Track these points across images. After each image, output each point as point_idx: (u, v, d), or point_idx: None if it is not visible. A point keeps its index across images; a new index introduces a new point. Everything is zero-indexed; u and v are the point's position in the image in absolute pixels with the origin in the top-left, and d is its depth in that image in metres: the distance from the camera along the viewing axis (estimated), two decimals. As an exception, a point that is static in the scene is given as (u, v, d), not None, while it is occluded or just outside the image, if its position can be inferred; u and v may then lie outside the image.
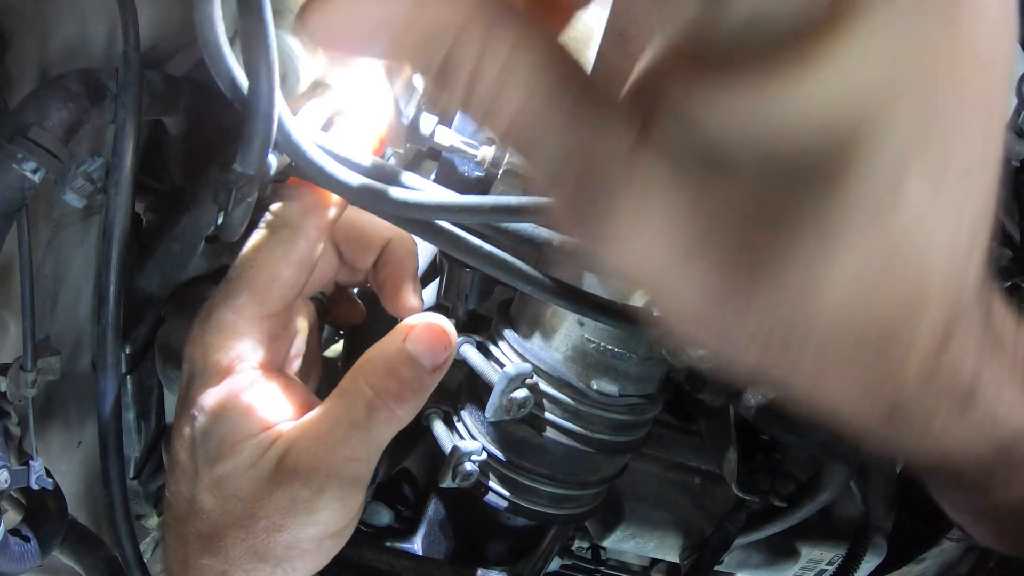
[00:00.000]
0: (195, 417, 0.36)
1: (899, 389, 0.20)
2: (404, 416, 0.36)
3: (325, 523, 0.35)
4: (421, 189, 0.60)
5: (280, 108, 0.49)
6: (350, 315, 0.48)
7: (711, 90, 0.16)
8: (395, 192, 0.48)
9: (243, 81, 0.46)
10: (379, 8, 0.19)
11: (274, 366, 0.37)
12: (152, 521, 0.82)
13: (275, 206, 0.40)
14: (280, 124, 0.49)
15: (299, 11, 0.20)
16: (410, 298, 0.43)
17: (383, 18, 0.19)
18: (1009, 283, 0.89)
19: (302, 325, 0.41)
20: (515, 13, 0.19)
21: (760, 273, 0.17)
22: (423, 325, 0.38)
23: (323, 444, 0.34)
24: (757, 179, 0.16)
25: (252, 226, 0.46)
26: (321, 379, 0.46)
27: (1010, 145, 0.64)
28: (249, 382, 0.36)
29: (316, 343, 0.44)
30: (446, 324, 0.39)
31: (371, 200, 0.46)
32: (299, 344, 0.41)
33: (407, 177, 0.63)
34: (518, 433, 0.59)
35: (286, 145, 0.52)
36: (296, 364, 0.41)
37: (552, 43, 0.19)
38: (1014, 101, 0.64)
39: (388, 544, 0.72)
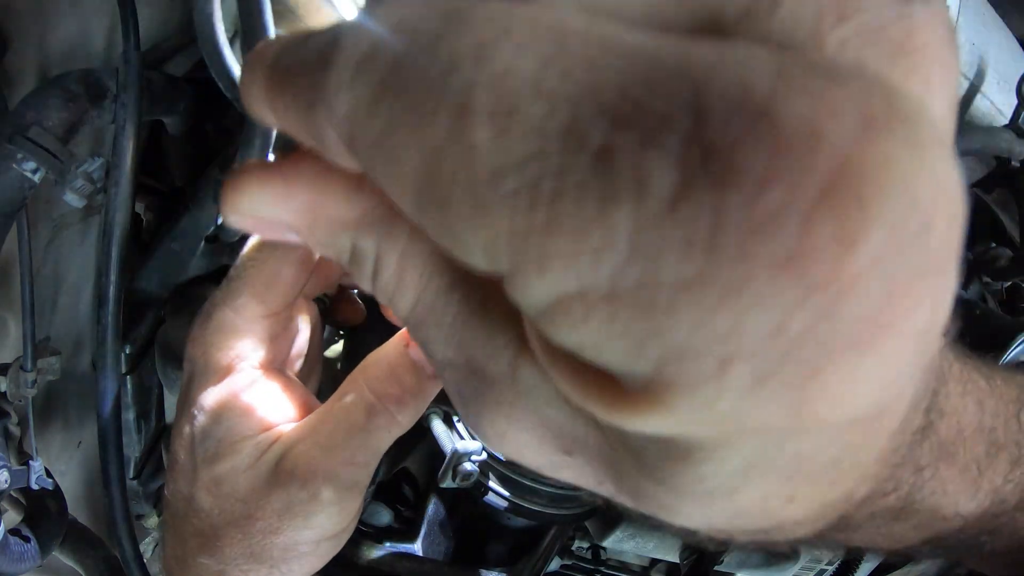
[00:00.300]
0: (195, 416, 0.36)
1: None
2: (404, 422, 0.35)
3: (322, 526, 0.35)
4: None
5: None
6: (351, 315, 0.47)
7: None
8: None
9: (243, 81, 0.46)
10: (282, 211, 0.20)
11: (275, 366, 0.37)
12: (152, 521, 0.82)
13: None
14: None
15: (221, 190, 0.21)
16: None
17: (287, 220, 0.20)
18: (1009, 283, 0.89)
19: (304, 325, 0.41)
20: (402, 233, 0.20)
21: (624, 490, 0.18)
22: None
23: (321, 447, 0.34)
24: (614, 436, 0.16)
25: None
26: (322, 380, 0.46)
27: (1010, 145, 0.64)
28: (249, 382, 0.36)
29: (318, 344, 0.44)
30: None
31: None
32: (300, 344, 0.41)
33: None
34: (518, 433, 0.59)
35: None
36: (297, 364, 0.41)
37: (435, 260, 0.20)
38: (1014, 101, 0.64)
39: (388, 545, 0.72)
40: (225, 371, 0.36)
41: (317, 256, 0.33)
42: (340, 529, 0.36)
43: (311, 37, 0.17)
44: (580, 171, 0.11)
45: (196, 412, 0.36)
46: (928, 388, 0.21)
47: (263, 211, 0.20)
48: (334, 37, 0.15)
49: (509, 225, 0.12)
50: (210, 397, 0.36)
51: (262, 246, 0.38)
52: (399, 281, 0.20)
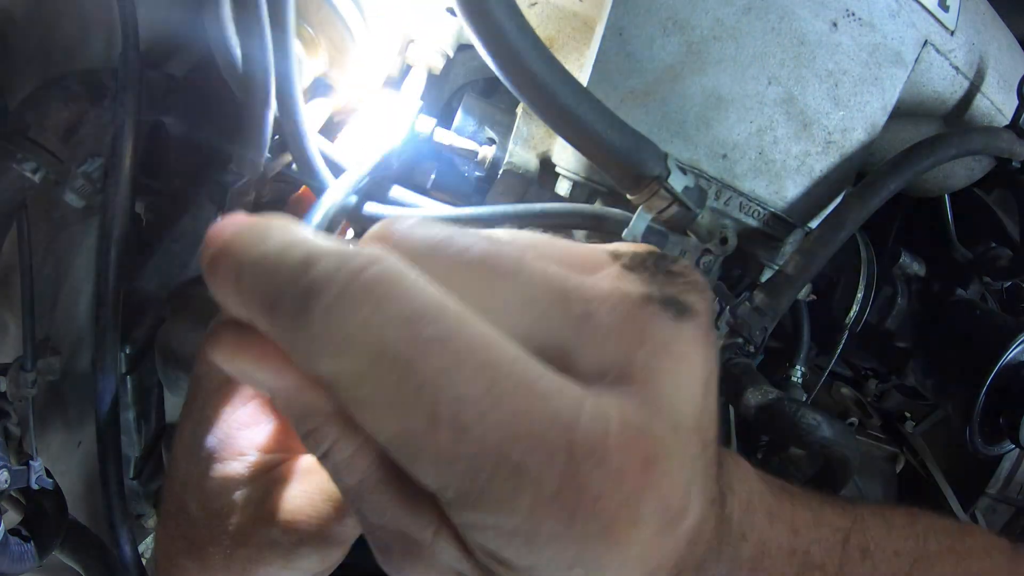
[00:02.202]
0: (196, 422, 0.36)
1: None
2: None
3: (303, 568, 0.35)
4: (418, 205, 0.61)
5: (304, 121, 0.49)
6: None
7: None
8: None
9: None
10: (258, 379, 0.24)
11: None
12: (152, 521, 0.82)
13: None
14: (298, 131, 0.49)
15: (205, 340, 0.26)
16: None
17: (270, 385, 0.24)
18: (1009, 283, 0.89)
19: None
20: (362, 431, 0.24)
21: None
22: None
23: (309, 500, 0.34)
24: None
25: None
26: None
27: (1010, 146, 0.64)
28: (250, 395, 0.36)
29: None
30: None
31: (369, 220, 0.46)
32: None
33: (399, 192, 0.63)
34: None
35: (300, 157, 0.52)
36: None
37: (383, 452, 0.24)
38: (1014, 101, 0.64)
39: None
40: (229, 380, 0.36)
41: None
42: (323, 569, 0.36)
43: (285, 271, 0.21)
44: (501, 475, 0.19)
45: (197, 418, 0.36)
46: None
47: (240, 372, 0.24)
48: (308, 307, 0.20)
49: (457, 484, 0.20)
50: (210, 407, 0.36)
51: None
52: (349, 465, 0.24)
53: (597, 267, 0.24)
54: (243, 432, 0.35)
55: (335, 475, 0.25)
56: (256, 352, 0.24)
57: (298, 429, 0.25)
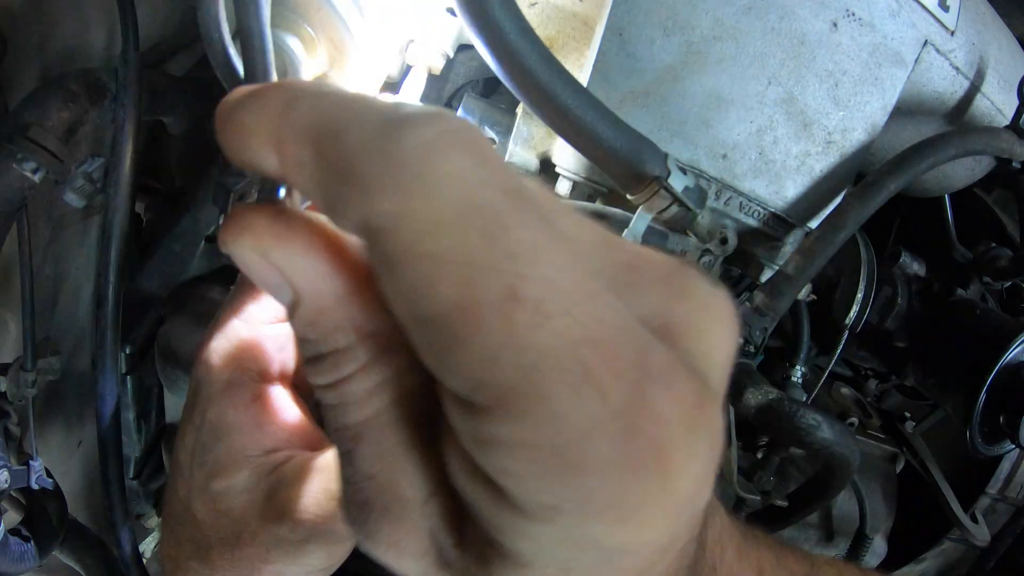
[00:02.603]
0: (197, 427, 0.36)
1: None
2: None
3: (311, 564, 0.35)
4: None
5: None
6: None
7: None
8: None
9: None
10: (295, 270, 0.20)
11: (284, 377, 0.37)
12: (152, 521, 0.82)
13: None
14: None
15: (222, 226, 0.21)
16: None
17: (296, 282, 0.20)
18: (1009, 283, 0.89)
19: None
20: (398, 357, 0.21)
21: None
22: None
23: (315, 498, 0.34)
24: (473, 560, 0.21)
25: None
26: None
27: (1011, 146, 0.64)
28: (252, 397, 0.36)
29: None
30: None
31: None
32: None
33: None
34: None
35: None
36: (302, 370, 0.41)
37: (414, 385, 0.21)
38: (1014, 101, 0.64)
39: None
40: (230, 382, 0.36)
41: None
42: (328, 565, 0.36)
43: (366, 102, 0.18)
44: (569, 378, 0.17)
45: (199, 423, 0.36)
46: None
47: (274, 263, 0.20)
48: (401, 140, 0.17)
49: (511, 381, 0.17)
50: (212, 410, 0.35)
51: None
52: (366, 398, 0.21)
53: None
54: (246, 434, 0.35)
55: (341, 408, 0.22)
56: (303, 236, 0.20)
57: (317, 348, 0.21)
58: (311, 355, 0.21)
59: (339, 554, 0.36)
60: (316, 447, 0.37)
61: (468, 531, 0.21)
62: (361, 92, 0.19)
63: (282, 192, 0.22)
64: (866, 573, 0.41)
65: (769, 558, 0.34)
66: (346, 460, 0.22)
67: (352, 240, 0.21)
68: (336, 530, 0.34)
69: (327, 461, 0.35)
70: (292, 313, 0.21)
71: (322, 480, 0.34)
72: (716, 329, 0.20)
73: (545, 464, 0.17)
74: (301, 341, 0.22)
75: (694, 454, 0.18)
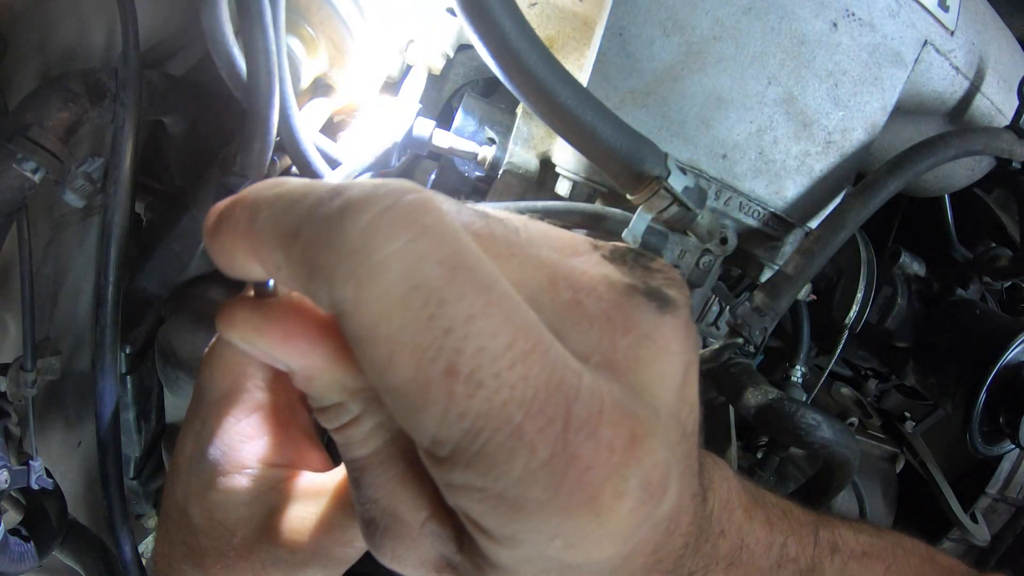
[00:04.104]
0: (198, 433, 0.36)
1: None
2: None
3: None
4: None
5: (298, 121, 0.49)
6: None
7: None
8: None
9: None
10: (281, 356, 0.24)
11: (282, 386, 0.37)
12: (152, 521, 0.82)
13: None
14: (292, 131, 0.49)
15: (222, 310, 0.24)
16: None
17: (294, 363, 0.23)
18: (1009, 283, 0.89)
19: None
20: (384, 408, 0.24)
21: None
22: None
23: (321, 524, 0.34)
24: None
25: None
26: None
27: (1011, 146, 0.64)
28: (254, 406, 0.35)
29: None
30: None
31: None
32: None
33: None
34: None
35: (294, 152, 0.52)
36: None
37: (398, 431, 0.25)
38: (1014, 101, 0.64)
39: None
40: (232, 390, 0.35)
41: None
42: None
43: (312, 197, 0.20)
44: (500, 437, 0.19)
45: (199, 429, 0.36)
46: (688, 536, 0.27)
47: (259, 349, 0.23)
48: (344, 229, 0.19)
49: (457, 440, 0.20)
50: (214, 417, 0.35)
51: None
52: (366, 438, 0.25)
53: (577, 252, 0.24)
54: (246, 444, 0.35)
55: (346, 446, 0.25)
56: (279, 327, 0.23)
57: (316, 403, 0.25)
58: (315, 407, 0.25)
59: (336, 575, 0.36)
60: (319, 462, 0.36)
61: (466, 544, 0.24)
62: (310, 181, 0.21)
63: (271, 282, 0.24)
64: (874, 528, 0.41)
65: (777, 512, 0.35)
66: (355, 485, 0.26)
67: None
68: (335, 555, 0.34)
69: (332, 485, 0.34)
70: (291, 377, 0.24)
71: (323, 503, 0.34)
72: (662, 357, 0.22)
73: (496, 505, 0.20)
74: (309, 400, 0.25)
75: (622, 492, 0.20)
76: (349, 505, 0.33)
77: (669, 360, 0.22)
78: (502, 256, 0.22)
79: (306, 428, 0.37)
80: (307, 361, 0.23)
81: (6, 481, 0.56)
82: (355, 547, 0.34)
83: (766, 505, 0.34)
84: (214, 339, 0.37)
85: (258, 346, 0.23)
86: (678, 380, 0.23)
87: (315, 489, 0.34)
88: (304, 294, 0.21)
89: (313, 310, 0.23)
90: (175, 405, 0.74)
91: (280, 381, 0.36)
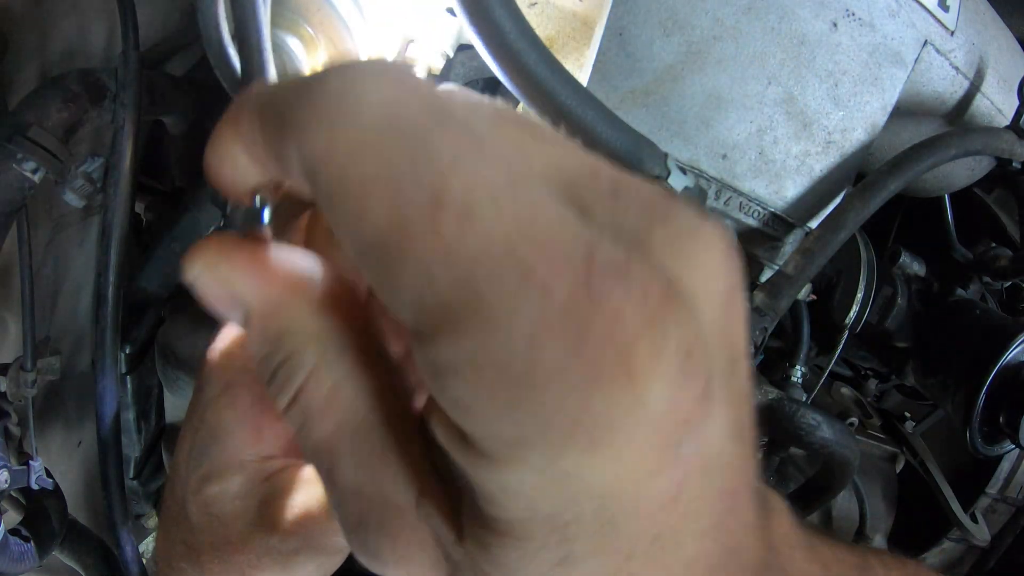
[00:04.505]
0: (196, 429, 0.36)
1: None
2: None
3: (301, 574, 0.35)
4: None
5: None
6: None
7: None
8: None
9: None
10: (248, 287, 0.21)
11: None
12: (152, 521, 0.82)
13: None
14: None
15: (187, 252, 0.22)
16: None
17: (251, 296, 0.21)
18: (1009, 283, 0.89)
19: None
20: (354, 343, 0.21)
21: None
22: None
23: (307, 512, 0.34)
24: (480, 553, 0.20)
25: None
26: None
27: (1011, 146, 0.64)
28: (252, 400, 0.35)
29: None
30: None
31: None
32: None
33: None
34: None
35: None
36: None
37: (375, 379, 0.21)
38: (1014, 101, 0.64)
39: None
40: (229, 384, 0.35)
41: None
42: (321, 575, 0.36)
43: (300, 80, 0.18)
44: (507, 273, 0.15)
45: (198, 424, 0.36)
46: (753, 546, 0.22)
47: (221, 280, 0.21)
48: (322, 80, 0.17)
49: (447, 293, 0.16)
50: (211, 411, 0.35)
51: None
52: (327, 403, 0.21)
53: None
54: (243, 437, 0.35)
55: (307, 425, 0.21)
56: (240, 257, 0.21)
57: (269, 363, 0.21)
58: (267, 375, 0.22)
59: (330, 566, 0.36)
60: None
61: (465, 520, 0.20)
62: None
63: (265, 216, 0.23)
64: (903, 562, 0.40)
65: (827, 553, 0.33)
66: (330, 483, 0.22)
67: (297, 252, 0.22)
68: (327, 543, 0.34)
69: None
70: (246, 330, 0.22)
71: (316, 492, 0.34)
72: (705, 254, 0.18)
73: (495, 384, 0.16)
74: (259, 365, 0.22)
75: (660, 350, 0.16)
76: (325, 504, 0.33)
77: (713, 258, 0.18)
78: (543, 139, 0.19)
79: None
80: (269, 290, 0.21)
81: (6, 481, 0.56)
82: (329, 545, 0.34)
83: (820, 545, 0.32)
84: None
85: (220, 271, 0.21)
86: (722, 287, 0.18)
87: (308, 480, 0.35)
88: (275, 164, 0.19)
89: (284, 248, 0.22)
90: (175, 405, 0.74)
91: None
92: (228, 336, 0.36)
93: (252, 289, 0.21)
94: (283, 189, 0.23)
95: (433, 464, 0.21)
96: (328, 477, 0.21)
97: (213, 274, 0.21)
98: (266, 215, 0.23)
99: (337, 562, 0.36)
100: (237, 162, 0.21)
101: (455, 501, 0.20)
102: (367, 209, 0.16)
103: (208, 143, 0.21)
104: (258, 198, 0.23)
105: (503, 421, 0.16)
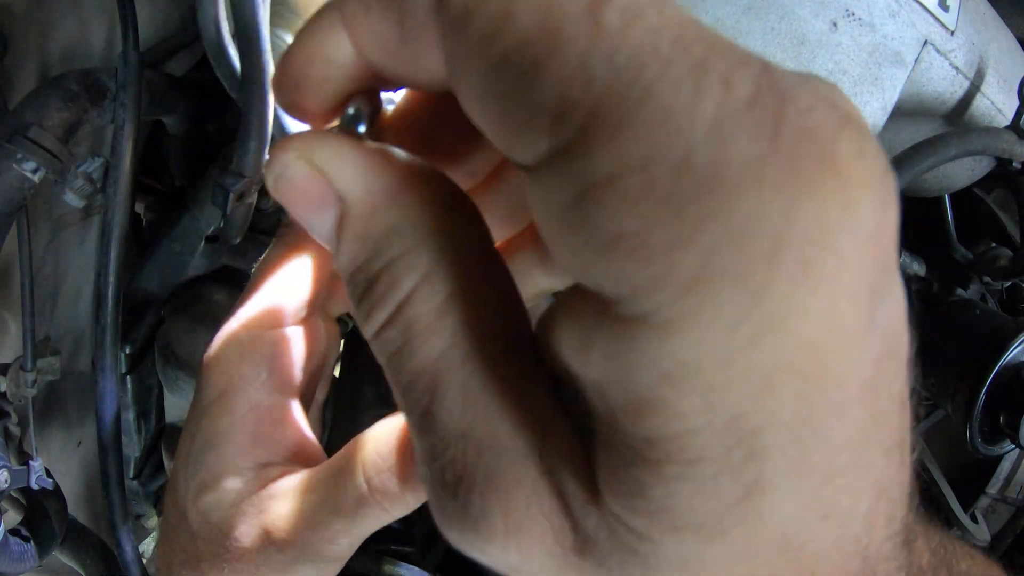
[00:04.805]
0: (193, 436, 0.36)
1: None
2: (395, 514, 0.33)
3: None
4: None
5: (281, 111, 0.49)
6: None
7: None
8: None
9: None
10: (349, 173, 0.18)
11: (283, 384, 0.36)
12: (152, 521, 0.82)
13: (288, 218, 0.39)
14: (286, 129, 0.49)
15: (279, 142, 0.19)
16: None
17: (347, 187, 0.18)
18: (1009, 283, 0.89)
19: (323, 340, 0.40)
20: (472, 250, 0.17)
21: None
22: None
23: (304, 519, 0.33)
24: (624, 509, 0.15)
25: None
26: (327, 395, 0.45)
27: (1011, 147, 0.64)
28: (248, 407, 0.35)
29: (334, 359, 0.43)
30: None
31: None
32: (315, 362, 0.40)
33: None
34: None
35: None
36: (307, 382, 0.41)
37: (493, 296, 0.17)
38: (1014, 101, 0.64)
39: (390, 547, 0.72)
40: (227, 391, 0.35)
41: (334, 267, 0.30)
42: None
43: None
44: (671, 67, 0.13)
45: (195, 432, 0.36)
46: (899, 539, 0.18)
47: (319, 158, 0.18)
48: None
49: (605, 93, 0.13)
50: (207, 419, 0.35)
51: (270, 258, 0.37)
52: (436, 320, 0.17)
53: None
54: (239, 444, 0.35)
55: (408, 347, 0.17)
56: (341, 143, 0.18)
57: (368, 270, 0.17)
58: (362, 287, 0.18)
59: (329, 572, 0.36)
60: (315, 460, 0.36)
61: (603, 470, 0.15)
62: None
63: (362, 128, 0.19)
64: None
65: (955, 550, 0.30)
66: (425, 426, 0.17)
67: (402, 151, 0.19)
68: (325, 551, 0.33)
69: (320, 478, 0.34)
70: (339, 233, 0.18)
71: (313, 500, 0.34)
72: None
73: (674, 193, 0.12)
74: (350, 279, 0.18)
75: (863, 153, 0.13)
76: (330, 500, 0.33)
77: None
78: None
79: (302, 428, 0.37)
80: (374, 180, 0.17)
81: (6, 481, 0.56)
82: (339, 543, 0.34)
83: (946, 547, 0.29)
84: (214, 336, 0.37)
85: (317, 157, 0.18)
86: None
87: (304, 484, 0.34)
88: (399, 32, 0.16)
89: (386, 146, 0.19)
90: (175, 405, 0.74)
91: (276, 380, 0.36)
92: (224, 339, 0.35)
93: (357, 176, 0.18)
94: (378, 101, 0.20)
95: (559, 403, 0.17)
96: (423, 419, 0.17)
97: (309, 161, 0.18)
98: (362, 128, 0.20)
99: (335, 569, 0.36)
100: (333, 60, 0.18)
101: (587, 450, 0.16)
102: (512, 15, 0.14)
103: (291, 47, 0.18)
104: (352, 108, 0.19)
105: (686, 247, 0.12)
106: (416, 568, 0.63)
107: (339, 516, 0.33)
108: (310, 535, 0.33)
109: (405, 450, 0.32)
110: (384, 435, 0.33)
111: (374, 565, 0.64)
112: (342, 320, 0.42)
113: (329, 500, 0.33)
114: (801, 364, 0.13)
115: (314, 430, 0.38)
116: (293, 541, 0.33)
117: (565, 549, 0.16)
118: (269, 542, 0.33)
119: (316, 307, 0.37)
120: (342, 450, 0.34)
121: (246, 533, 0.34)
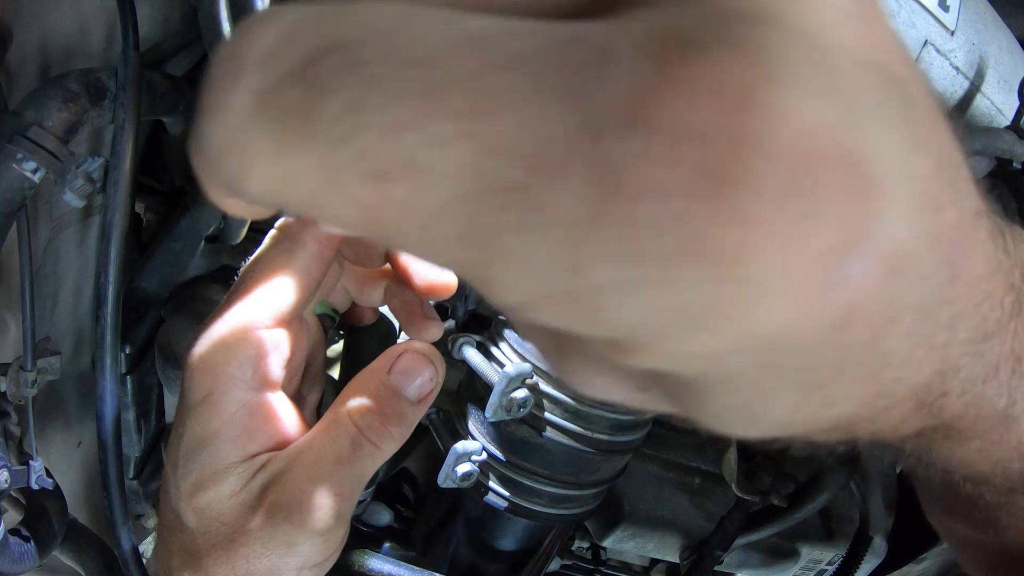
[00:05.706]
0: (181, 437, 0.36)
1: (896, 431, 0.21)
2: (388, 450, 0.36)
3: (305, 555, 0.35)
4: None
5: None
6: (360, 316, 0.47)
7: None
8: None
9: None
10: None
11: (268, 383, 0.37)
12: (152, 521, 0.82)
13: (281, 219, 0.39)
14: None
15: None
16: (427, 327, 0.41)
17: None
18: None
19: (306, 340, 0.40)
20: None
21: (690, 415, 0.19)
22: (408, 356, 0.37)
23: (306, 478, 0.34)
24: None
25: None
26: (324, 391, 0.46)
27: (1011, 147, 0.64)
28: (237, 404, 0.35)
29: (321, 359, 0.44)
30: (431, 353, 0.38)
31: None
32: (300, 359, 0.40)
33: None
34: (518, 433, 0.59)
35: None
36: (295, 380, 0.41)
37: None
38: (1015, 101, 0.64)
39: (387, 547, 0.72)
40: (214, 391, 0.35)
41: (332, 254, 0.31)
42: (323, 558, 0.36)
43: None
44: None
45: (182, 433, 0.36)
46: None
47: None
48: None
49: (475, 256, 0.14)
50: (197, 418, 0.35)
51: (261, 259, 0.37)
52: None
53: None
54: (229, 442, 0.35)
55: None
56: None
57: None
58: None
59: (335, 542, 0.36)
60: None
61: None
62: None
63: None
64: None
65: None
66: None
67: None
68: (318, 527, 0.34)
69: (313, 439, 0.35)
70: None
71: (308, 473, 0.34)
72: None
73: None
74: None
75: None
76: (329, 451, 0.35)
77: None
78: None
79: (290, 417, 0.37)
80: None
81: (6, 481, 0.56)
82: (345, 495, 0.35)
83: None
84: (198, 336, 0.37)
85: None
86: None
87: (298, 457, 0.35)
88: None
89: None
90: (175, 405, 0.74)
91: (261, 378, 0.36)
92: (209, 340, 0.35)
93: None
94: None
95: None
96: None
97: None
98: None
99: (340, 542, 0.36)
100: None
101: None
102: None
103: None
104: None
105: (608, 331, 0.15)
106: (389, 558, 0.63)
107: (339, 463, 0.34)
108: (314, 492, 0.34)
109: (382, 392, 0.36)
110: (360, 385, 0.36)
111: (345, 556, 0.63)
112: (329, 316, 0.43)
113: (327, 452, 0.35)
114: None
115: (306, 422, 0.38)
116: (299, 503, 0.34)
117: (630, 388, 0.21)
118: (276, 512, 0.34)
119: (301, 307, 0.37)
120: (327, 411, 0.36)
121: (250, 516, 0.34)
